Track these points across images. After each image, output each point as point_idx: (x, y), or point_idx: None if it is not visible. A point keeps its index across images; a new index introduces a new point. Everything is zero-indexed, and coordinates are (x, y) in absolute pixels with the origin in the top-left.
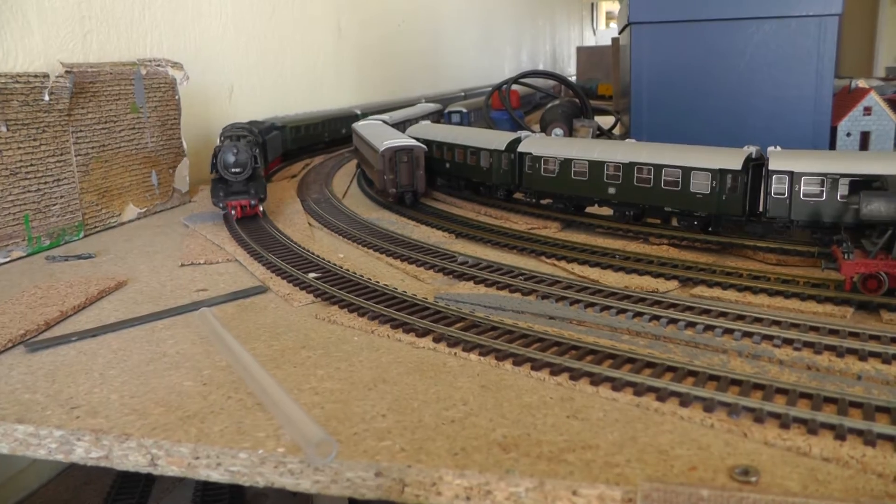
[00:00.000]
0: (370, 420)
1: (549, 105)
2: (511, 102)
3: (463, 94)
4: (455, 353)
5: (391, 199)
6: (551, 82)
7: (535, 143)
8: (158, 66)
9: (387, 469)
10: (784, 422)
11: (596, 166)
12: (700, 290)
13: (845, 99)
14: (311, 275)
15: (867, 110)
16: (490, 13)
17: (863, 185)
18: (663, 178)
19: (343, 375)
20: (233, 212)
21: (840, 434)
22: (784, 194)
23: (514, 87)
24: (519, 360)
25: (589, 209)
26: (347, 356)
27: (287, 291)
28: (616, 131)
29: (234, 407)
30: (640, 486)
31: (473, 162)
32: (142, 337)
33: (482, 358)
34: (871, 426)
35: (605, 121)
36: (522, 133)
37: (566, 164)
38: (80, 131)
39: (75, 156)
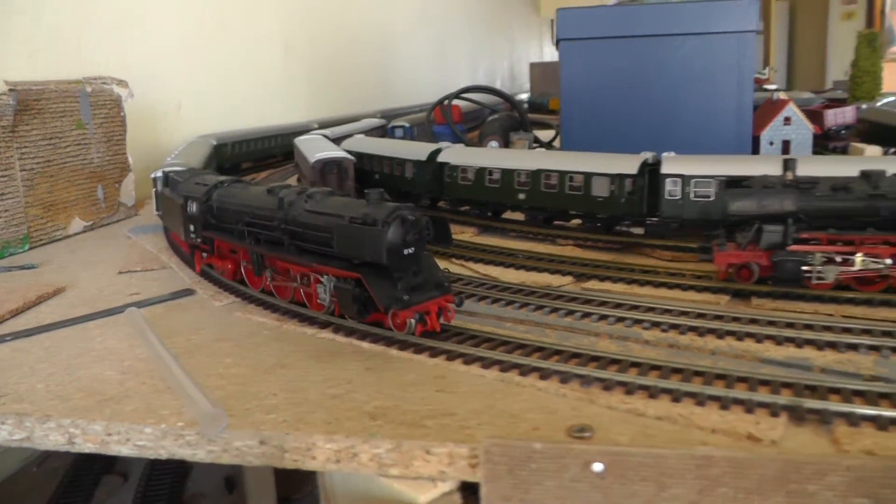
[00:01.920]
0: (262, 398)
1: (488, 119)
2: (453, 117)
3: (419, 108)
4: (350, 342)
5: None
6: (497, 98)
7: (454, 154)
8: (104, 83)
9: (269, 437)
10: (629, 389)
11: (507, 174)
12: (591, 283)
13: (768, 110)
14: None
15: (787, 120)
16: (445, 29)
17: (735, 185)
18: (567, 183)
19: (248, 363)
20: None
21: (676, 397)
22: (677, 196)
23: (457, 102)
24: (403, 346)
25: (504, 214)
26: (255, 346)
27: (212, 293)
28: (557, 143)
29: (146, 391)
30: (483, 442)
31: (399, 172)
32: (73, 336)
33: (373, 345)
34: (704, 389)
35: (548, 134)
36: (443, 144)
37: (481, 172)
38: (25, 147)
39: (20, 171)
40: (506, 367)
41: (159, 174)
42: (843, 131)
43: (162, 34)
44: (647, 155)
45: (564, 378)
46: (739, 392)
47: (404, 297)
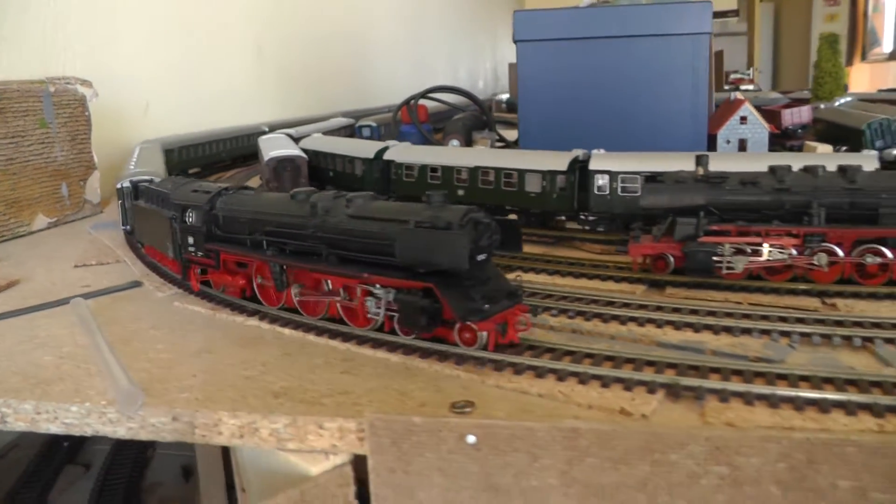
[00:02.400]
0: (182, 379)
1: (453, 118)
2: (419, 116)
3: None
4: (273, 329)
5: None
6: (466, 98)
7: (399, 152)
8: (68, 83)
9: (180, 414)
10: (518, 369)
11: (448, 171)
12: (514, 275)
13: (727, 109)
14: None
15: (743, 119)
16: (423, 30)
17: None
18: (503, 179)
19: (177, 348)
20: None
21: (561, 377)
22: (606, 192)
23: (426, 102)
24: (319, 332)
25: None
26: (186, 333)
27: (157, 285)
28: None
29: (79, 374)
30: (367, 417)
31: (350, 170)
32: (20, 325)
33: (293, 331)
34: (587, 369)
35: (515, 134)
36: (390, 143)
37: (423, 169)
38: None
39: None
40: (408, 350)
41: (126, 184)
42: (799, 130)
43: (131, 35)
44: (578, 152)
45: (460, 360)
46: (620, 371)
47: (484, 306)
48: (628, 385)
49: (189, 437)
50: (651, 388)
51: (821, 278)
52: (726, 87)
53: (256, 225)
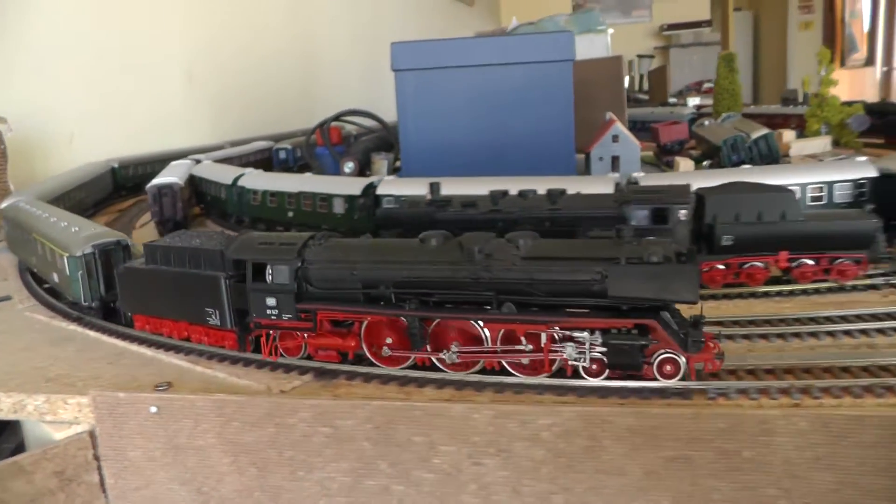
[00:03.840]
0: None
1: (354, 140)
2: (331, 139)
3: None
4: (84, 332)
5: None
6: (375, 120)
7: (250, 178)
8: None
9: None
10: (233, 360)
11: (280, 196)
12: None
13: (602, 128)
14: None
15: (615, 138)
16: (378, 50)
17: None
18: (318, 202)
19: (5, 349)
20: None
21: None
22: None
23: (340, 124)
24: (110, 333)
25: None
26: (21, 336)
27: (24, 297)
28: None
29: None
30: (91, 394)
31: (217, 194)
32: None
33: (95, 333)
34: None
35: None
36: (248, 170)
37: (265, 194)
38: None
39: None
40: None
41: (87, 250)
42: (676, 146)
43: (55, 66)
44: (374, 178)
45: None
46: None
47: (701, 337)
48: (287, 369)
49: None
50: (302, 370)
51: None
52: (672, 101)
53: (378, 277)
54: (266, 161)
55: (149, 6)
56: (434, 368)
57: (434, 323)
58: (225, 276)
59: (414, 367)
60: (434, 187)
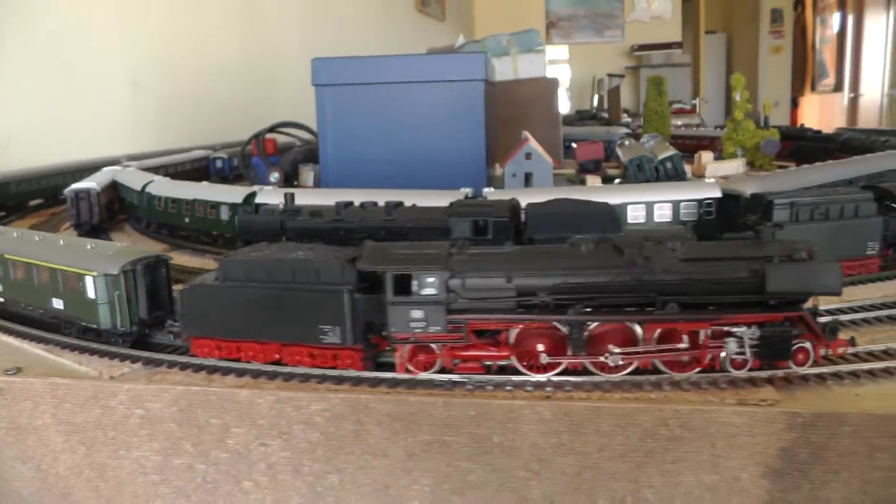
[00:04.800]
0: None
1: (286, 152)
2: (266, 150)
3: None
4: None
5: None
6: (308, 132)
7: (158, 186)
8: None
9: None
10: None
11: (178, 202)
12: None
13: (518, 146)
14: None
15: (528, 156)
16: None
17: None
18: (208, 210)
19: None
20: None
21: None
22: None
23: (274, 136)
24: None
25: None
26: None
27: None
28: None
29: None
30: None
31: (131, 199)
32: None
33: None
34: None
35: None
36: (157, 178)
37: (167, 200)
38: None
39: None
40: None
41: (126, 267)
42: (591, 165)
43: None
44: (256, 188)
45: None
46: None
47: (837, 326)
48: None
49: None
50: (133, 360)
51: None
52: (626, 121)
53: (536, 284)
54: (204, 169)
55: (94, 13)
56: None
57: (592, 327)
58: (348, 289)
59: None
60: (288, 197)
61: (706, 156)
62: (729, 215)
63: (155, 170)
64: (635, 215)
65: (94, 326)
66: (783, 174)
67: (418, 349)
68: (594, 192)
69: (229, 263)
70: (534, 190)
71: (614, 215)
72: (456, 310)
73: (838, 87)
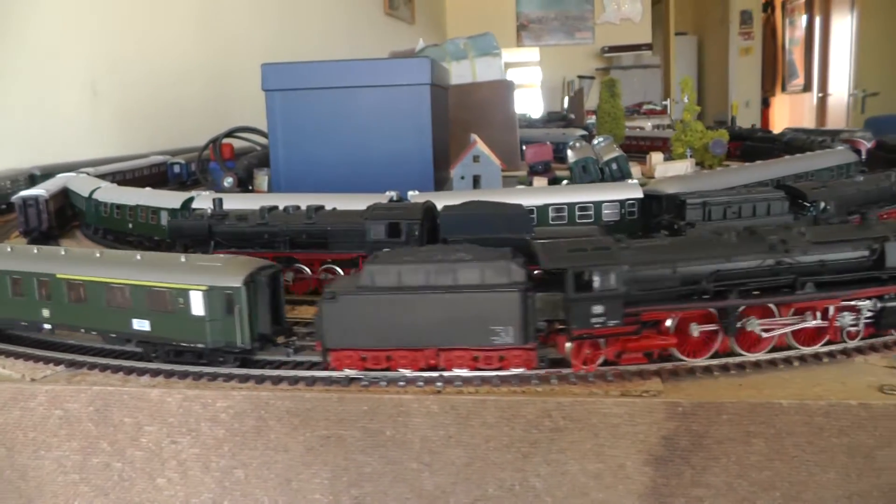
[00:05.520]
0: None
1: (241, 157)
2: (223, 155)
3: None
4: None
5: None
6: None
7: (103, 192)
8: None
9: None
10: None
11: (122, 208)
12: None
13: (466, 149)
14: None
15: (476, 158)
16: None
17: None
18: (150, 215)
19: None
20: None
21: None
22: None
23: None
24: None
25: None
26: None
27: None
28: None
29: None
30: None
31: (80, 205)
32: None
33: None
34: None
35: None
36: (103, 183)
37: (112, 206)
38: None
39: None
40: None
41: (247, 280)
42: (540, 167)
43: None
44: (194, 193)
45: None
46: None
47: None
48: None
49: None
50: (57, 362)
51: (294, 290)
52: (591, 122)
53: (698, 272)
54: (162, 175)
55: (53, 18)
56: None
57: (741, 309)
58: (521, 288)
59: None
60: (216, 202)
61: (656, 157)
62: (652, 215)
63: (111, 176)
64: (557, 216)
65: (198, 346)
66: (708, 175)
67: (583, 345)
68: (515, 194)
69: (378, 271)
70: (453, 193)
71: (526, 217)
72: (630, 302)
73: (807, 88)
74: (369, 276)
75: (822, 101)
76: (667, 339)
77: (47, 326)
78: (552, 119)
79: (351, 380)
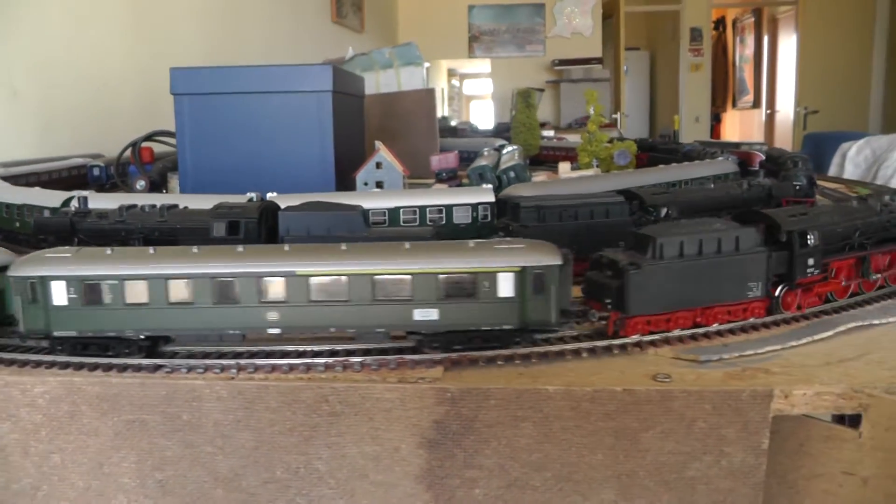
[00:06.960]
0: None
1: (159, 159)
2: (143, 158)
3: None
4: None
5: None
6: None
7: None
8: None
9: None
10: None
11: (11, 207)
12: None
13: (370, 155)
14: None
15: (378, 165)
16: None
17: None
18: (34, 213)
19: None
20: None
21: None
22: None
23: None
24: None
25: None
26: None
27: None
28: None
29: None
30: None
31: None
32: None
33: None
34: None
35: None
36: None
37: (2, 206)
38: None
39: None
40: None
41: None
42: (444, 174)
43: None
44: (76, 192)
45: None
46: None
47: None
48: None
49: None
50: None
51: None
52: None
53: (851, 230)
54: (82, 177)
55: None
56: None
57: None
58: (768, 250)
59: None
60: (81, 200)
61: (564, 166)
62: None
63: (26, 177)
64: (410, 219)
65: (504, 328)
66: (574, 181)
67: (790, 293)
68: (368, 197)
69: (665, 242)
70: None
71: (359, 218)
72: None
73: (757, 104)
74: (657, 248)
75: (771, 118)
76: (838, 283)
77: (275, 331)
78: (501, 130)
79: (157, 367)
